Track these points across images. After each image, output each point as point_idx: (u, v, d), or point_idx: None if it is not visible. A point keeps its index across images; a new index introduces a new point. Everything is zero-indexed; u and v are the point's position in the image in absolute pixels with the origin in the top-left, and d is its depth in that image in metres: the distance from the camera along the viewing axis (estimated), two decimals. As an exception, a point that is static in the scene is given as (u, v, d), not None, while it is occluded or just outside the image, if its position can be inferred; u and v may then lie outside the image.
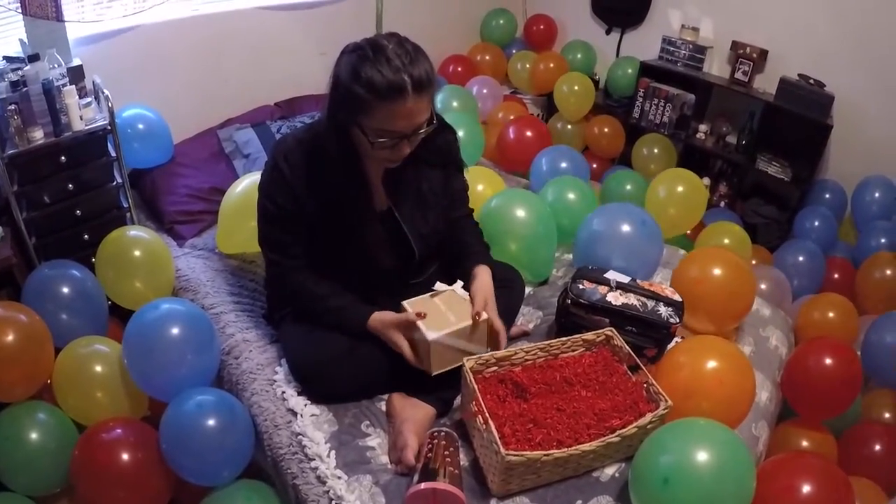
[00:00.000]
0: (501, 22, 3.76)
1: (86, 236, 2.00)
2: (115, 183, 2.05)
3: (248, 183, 2.05)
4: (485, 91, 3.36)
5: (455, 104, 2.93)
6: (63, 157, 1.89)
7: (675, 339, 1.79)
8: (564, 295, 1.81)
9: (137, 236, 1.91)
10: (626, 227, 1.97)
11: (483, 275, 1.58)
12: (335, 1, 2.91)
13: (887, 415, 2.02)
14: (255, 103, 2.70)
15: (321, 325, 1.55)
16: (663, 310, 1.74)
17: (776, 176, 3.12)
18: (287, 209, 1.48)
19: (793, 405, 1.91)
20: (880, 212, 2.86)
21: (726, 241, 2.61)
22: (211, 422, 1.45)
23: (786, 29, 3.06)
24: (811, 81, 2.96)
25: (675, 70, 3.31)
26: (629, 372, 1.57)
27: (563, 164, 2.55)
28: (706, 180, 3.37)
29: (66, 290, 1.73)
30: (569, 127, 3.53)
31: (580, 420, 1.41)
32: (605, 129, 3.46)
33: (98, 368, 1.60)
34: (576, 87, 3.41)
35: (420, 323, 1.44)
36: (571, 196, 2.30)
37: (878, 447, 1.87)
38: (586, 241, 2.02)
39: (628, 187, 2.80)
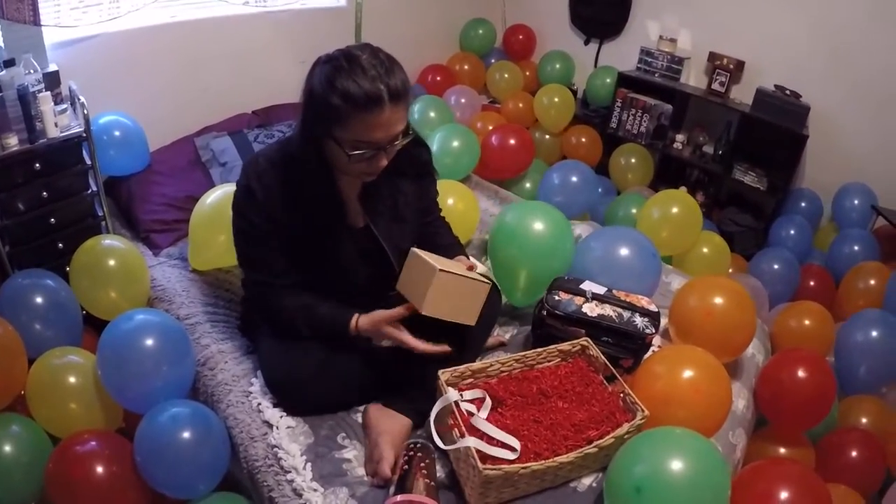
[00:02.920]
0: (481, 32, 3.79)
1: (60, 245, 1.98)
2: (90, 191, 2.02)
3: (217, 195, 2.01)
4: (463, 100, 3.37)
5: (432, 115, 2.93)
6: (37, 165, 1.87)
7: (652, 349, 1.81)
8: (540, 306, 1.80)
9: (112, 246, 1.89)
10: (623, 251, 1.95)
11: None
12: (314, 9, 2.91)
13: (864, 420, 2.05)
14: (232, 111, 2.69)
15: (305, 336, 1.53)
16: (639, 320, 1.74)
17: (752, 185, 3.17)
18: (263, 228, 1.47)
19: (767, 417, 1.93)
20: (860, 219, 2.94)
21: (705, 249, 2.64)
22: (186, 434, 1.43)
23: (762, 40, 3.11)
24: (787, 92, 3.02)
25: (653, 81, 3.36)
26: (605, 382, 1.57)
27: (574, 178, 2.60)
28: (683, 189, 3.40)
29: (39, 299, 1.70)
30: (547, 137, 3.56)
31: (557, 432, 1.42)
32: (583, 139, 3.50)
33: (72, 380, 1.57)
34: (556, 99, 3.45)
35: (427, 257, 1.42)
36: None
37: (855, 453, 1.90)
38: (587, 262, 1.97)
39: (634, 211, 2.83)
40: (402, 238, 1.60)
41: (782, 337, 2.32)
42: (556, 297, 1.77)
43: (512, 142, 2.94)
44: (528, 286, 1.94)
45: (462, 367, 1.51)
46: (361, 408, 1.58)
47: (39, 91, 1.85)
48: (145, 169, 2.35)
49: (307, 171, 1.43)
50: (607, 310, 1.75)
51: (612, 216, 2.92)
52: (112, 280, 1.84)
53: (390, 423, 1.48)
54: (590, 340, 1.65)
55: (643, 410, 1.42)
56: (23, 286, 1.72)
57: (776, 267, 2.76)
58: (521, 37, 3.86)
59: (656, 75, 3.38)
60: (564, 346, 1.64)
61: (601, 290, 1.81)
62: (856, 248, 2.78)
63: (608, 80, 3.54)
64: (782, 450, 1.90)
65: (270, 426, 1.51)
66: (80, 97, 1.96)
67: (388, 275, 1.57)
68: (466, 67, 3.68)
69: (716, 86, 3.20)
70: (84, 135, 1.94)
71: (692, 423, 1.39)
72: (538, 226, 1.91)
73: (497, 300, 1.77)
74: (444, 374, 1.47)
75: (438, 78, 3.53)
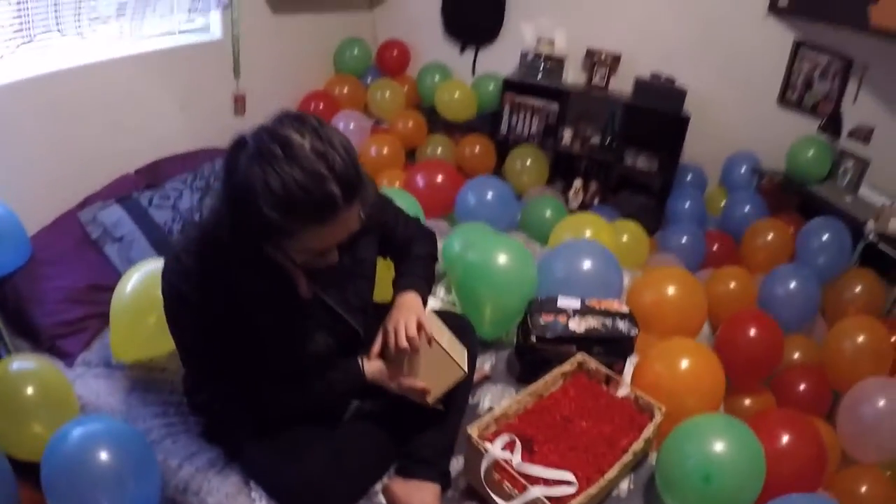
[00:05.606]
0: (356, 52, 3.64)
1: None
2: None
3: (136, 280, 1.73)
4: (352, 125, 3.23)
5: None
6: None
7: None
8: (524, 332, 1.79)
9: (24, 369, 1.51)
10: (586, 264, 2.05)
11: (400, 303, 1.42)
12: (188, 46, 2.58)
13: (796, 355, 2.33)
14: (112, 174, 2.29)
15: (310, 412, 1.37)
16: (621, 324, 1.79)
17: (644, 169, 3.37)
18: (211, 333, 1.23)
19: (729, 378, 2.01)
20: (747, 183, 3.29)
21: (625, 238, 2.76)
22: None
23: (634, 32, 3.34)
24: (663, 78, 3.24)
25: (537, 83, 3.44)
26: (609, 389, 1.61)
27: (489, 195, 2.56)
28: (578, 182, 3.54)
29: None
30: (439, 150, 3.53)
31: (595, 451, 1.42)
32: (476, 149, 3.52)
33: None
34: (456, 95, 3.53)
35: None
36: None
37: (804, 385, 2.18)
38: (551, 283, 2.01)
39: (548, 213, 2.88)
40: (357, 296, 1.42)
41: (714, 302, 2.45)
42: (542, 321, 1.76)
43: (440, 179, 2.84)
44: (497, 318, 1.93)
45: (486, 419, 1.45)
46: (378, 487, 1.41)
47: None
48: (28, 261, 1.91)
49: (241, 266, 1.20)
50: (591, 322, 1.78)
51: (528, 222, 2.92)
52: (34, 411, 1.47)
53: (420, 496, 1.34)
54: (585, 354, 1.68)
55: (660, 407, 1.50)
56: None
57: (684, 240, 2.99)
58: (395, 52, 3.77)
59: (539, 77, 3.46)
60: (565, 367, 1.64)
61: (577, 303, 1.83)
62: (747, 208, 3.11)
63: (491, 87, 3.58)
64: (747, 401, 2.12)
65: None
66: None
67: (351, 338, 1.42)
68: (346, 90, 3.51)
69: (596, 80, 3.36)
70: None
71: (702, 407, 1.57)
72: (502, 259, 1.91)
73: (474, 336, 1.66)
74: (473, 431, 1.38)
75: (321, 105, 3.32)
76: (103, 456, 1.28)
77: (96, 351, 1.84)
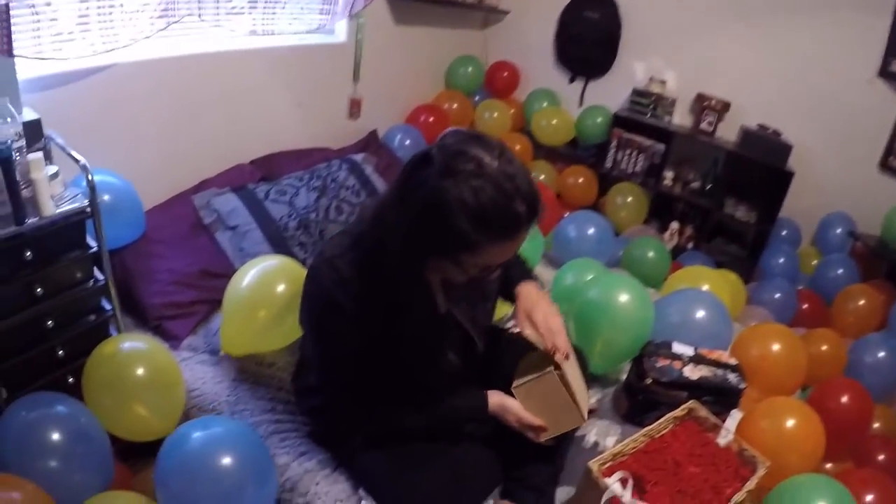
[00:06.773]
0: (470, 69, 3.61)
1: (60, 353, 1.54)
2: (94, 282, 1.59)
3: (253, 276, 1.70)
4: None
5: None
6: (28, 253, 1.43)
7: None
8: (639, 373, 1.79)
9: (135, 349, 1.50)
10: (700, 313, 2.06)
11: (523, 293, 1.40)
12: (312, 46, 2.60)
13: (876, 425, 2.24)
14: (227, 162, 2.31)
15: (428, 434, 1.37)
16: (731, 376, 1.80)
17: (742, 219, 3.26)
18: (358, 345, 1.24)
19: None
20: (840, 244, 3.20)
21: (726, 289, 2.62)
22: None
23: (745, 82, 3.24)
24: (770, 131, 3.14)
25: (645, 121, 3.37)
26: (713, 437, 1.59)
27: (591, 231, 2.56)
28: (675, 224, 3.45)
29: (56, 436, 1.28)
30: (542, 177, 3.50)
31: (702, 498, 1.42)
32: (580, 180, 3.50)
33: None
34: (554, 121, 3.54)
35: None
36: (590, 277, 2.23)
37: (882, 457, 2.09)
38: (664, 327, 2.01)
39: (650, 254, 2.82)
40: (484, 315, 1.46)
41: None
42: (658, 365, 1.78)
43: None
44: (608, 355, 1.93)
45: (606, 455, 1.46)
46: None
47: (21, 149, 1.41)
48: (141, 238, 1.92)
49: (402, 276, 1.19)
50: (704, 371, 1.80)
51: (631, 261, 2.86)
52: (141, 393, 1.46)
53: None
54: (698, 402, 1.65)
55: (765, 462, 1.51)
56: (29, 423, 1.29)
57: (777, 296, 2.91)
58: (505, 74, 3.73)
59: (648, 115, 3.39)
60: (678, 412, 1.63)
61: (690, 350, 1.86)
62: (839, 271, 3.02)
63: (599, 120, 3.51)
64: (828, 465, 2.06)
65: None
66: (78, 156, 1.52)
67: (473, 357, 1.45)
68: (455, 106, 3.48)
69: (704, 125, 3.26)
70: (89, 210, 1.53)
71: (802, 466, 1.65)
72: (623, 298, 1.92)
73: (587, 371, 1.64)
74: (594, 466, 1.39)
75: (431, 119, 3.29)
76: (225, 461, 1.25)
77: (202, 337, 1.83)
